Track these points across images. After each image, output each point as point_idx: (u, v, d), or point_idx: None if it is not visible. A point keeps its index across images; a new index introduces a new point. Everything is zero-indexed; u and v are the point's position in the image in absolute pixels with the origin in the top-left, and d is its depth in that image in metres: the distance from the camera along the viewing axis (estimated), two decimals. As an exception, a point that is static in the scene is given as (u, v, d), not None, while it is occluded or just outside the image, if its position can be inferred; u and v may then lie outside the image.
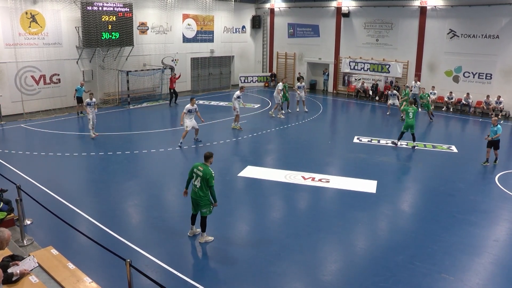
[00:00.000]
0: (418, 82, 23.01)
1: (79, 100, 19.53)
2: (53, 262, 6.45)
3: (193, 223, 9.01)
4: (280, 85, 20.20)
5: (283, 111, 21.03)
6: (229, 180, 12.42)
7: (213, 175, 8.44)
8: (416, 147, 15.67)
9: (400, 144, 16.06)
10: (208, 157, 8.58)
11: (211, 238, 8.84)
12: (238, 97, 17.49)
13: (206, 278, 7.56)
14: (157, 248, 8.51)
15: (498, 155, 14.02)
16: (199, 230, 8.93)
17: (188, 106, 15.18)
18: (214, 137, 16.68)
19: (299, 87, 21.76)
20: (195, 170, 8.52)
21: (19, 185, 8.70)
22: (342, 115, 23.53)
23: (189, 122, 15.22)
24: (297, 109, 21.86)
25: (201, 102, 24.42)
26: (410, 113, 15.47)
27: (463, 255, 8.44)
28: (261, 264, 8.01)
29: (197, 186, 8.48)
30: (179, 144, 15.30)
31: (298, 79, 26.93)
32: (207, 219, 8.74)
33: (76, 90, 19.56)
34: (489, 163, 13.97)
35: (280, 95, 20.09)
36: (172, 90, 23.06)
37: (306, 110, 21.87)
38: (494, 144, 13.85)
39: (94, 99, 16.37)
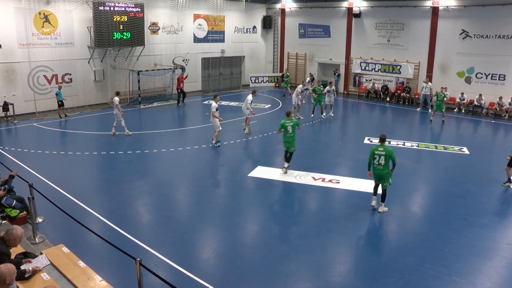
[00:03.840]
0: (430, 83, 22.80)
1: (61, 103, 19.31)
2: (64, 260, 6.52)
3: (375, 193, 10.52)
4: (299, 87, 20.18)
5: (313, 114, 20.85)
6: (239, 180, 12.42)
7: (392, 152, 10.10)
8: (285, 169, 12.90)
9: (410, 145, 15.98)
10: (383, 139, 10.26)
11: (386, 209, 10.30)
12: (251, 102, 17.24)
13: (215, 277, 7.56)
14: (166, 247, 8.53)
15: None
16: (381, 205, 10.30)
17: (215, 104, 15.21)
18: (224, 137, 16.68)
19: (328, 91, 20.72)
20: (376, 152, 10.06)
21: (32, 183, 8.78)
22: (352, 116, 23.39)
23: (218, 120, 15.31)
24: (331, 114, 21.10)
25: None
26: (289, 126, 12.60)
27: (474, 258, 8.33)
28: (270, 264, 8.00)
29: (381, 164, 10.01)
30: (216, 144, 15.38)
31: (313, 80, 26.98)
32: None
33: (56, 94, 19.20)
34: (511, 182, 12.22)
35: (314, 97, 20.12)
36: (179, 90, 23.15)
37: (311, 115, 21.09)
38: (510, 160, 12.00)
39: (114, 98, 16.63)
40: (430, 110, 21.71)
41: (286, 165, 12.85)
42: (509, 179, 12.23)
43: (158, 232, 9.30)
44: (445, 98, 20.31)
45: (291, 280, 7.54)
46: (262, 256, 8.31)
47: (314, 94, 20.79)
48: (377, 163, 10.07)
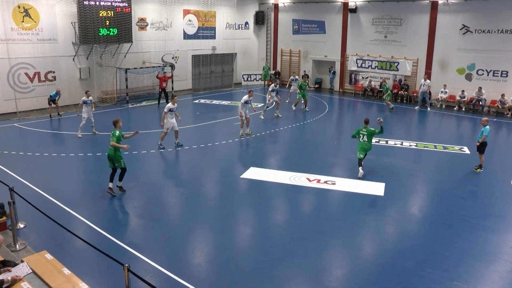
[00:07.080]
0: (428, 80, 22.51)
1: (53, 101, 18.81)
2: (47, 267, 6.32)
3: (360, 165, 12.49)
4: (271, 87, 19.95)
5: (307, 108, 21.67)
6: (231, 181, 12.22)
7: (375, 130, 12.45)
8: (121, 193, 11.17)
9: (409, 145, 15.79)
10: (367, 122, 12.58)
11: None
12: (246, 102, 16.57)
13: (207, 282, 7.42)
14: (156, 252, 8.38)
15: (484, 161, 13.14)
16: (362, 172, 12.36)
17: (170, 105, 14.64)
18: (216, 137, 16.45)
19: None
20: (360, 132, 12.48)
21: (12, 187, 8.56)
22: (348, 114, 23.19)
23: (169, 123, 14.60)
24: (294, 108, 21.70)
25: (202, 101, 24.19)
26: (114, 137, 11.07)
27: (476, 262, 8.14)
28: (264, 268, 7.85)
29: (366, 140, 12.40)
30: (161, 147, 14.78)
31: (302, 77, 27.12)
32: None
33: (50, 95, 18.74)
34: (482, 169, 13.14)
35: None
36: (161, 90, 22.15)
37: (308, 109, 21.79)
38: (480, 147, 13.03)
39: (91, 98, 16.35)
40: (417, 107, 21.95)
41: (110, 184, 10.82)
42: (480, 165, 13.19)
43: (147, 236, 9.08)
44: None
45: (286, 285, 7.40)
46: (256, 260, 8.17)
47: (298, 90, 21.31)
48: (362, 140, 12.44)
